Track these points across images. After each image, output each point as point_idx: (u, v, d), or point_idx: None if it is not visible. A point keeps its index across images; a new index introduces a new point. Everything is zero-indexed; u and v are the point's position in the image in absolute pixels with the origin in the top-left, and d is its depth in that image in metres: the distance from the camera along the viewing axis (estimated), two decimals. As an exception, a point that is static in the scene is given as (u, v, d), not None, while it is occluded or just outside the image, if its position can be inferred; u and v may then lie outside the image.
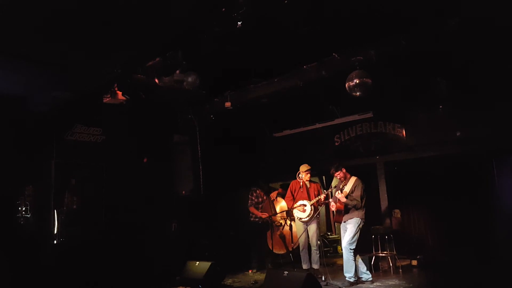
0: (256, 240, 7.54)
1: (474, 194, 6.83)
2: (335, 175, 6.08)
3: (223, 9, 4.41)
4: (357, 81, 5.39)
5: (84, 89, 6.06)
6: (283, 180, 9.05)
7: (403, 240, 7.60)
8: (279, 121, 8.91)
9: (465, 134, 6.68)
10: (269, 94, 6.84)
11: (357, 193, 5.86)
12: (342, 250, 6.02)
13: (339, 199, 5.89)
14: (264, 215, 7.33)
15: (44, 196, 6.31)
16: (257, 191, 7.61)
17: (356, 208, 5.83)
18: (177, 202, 7.82)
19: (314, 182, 6.88)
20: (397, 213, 8.24)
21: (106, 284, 6.04)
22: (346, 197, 5.83)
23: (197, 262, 6.27)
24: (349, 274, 5.81)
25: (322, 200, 6.44)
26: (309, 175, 6.67)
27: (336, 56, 5.71)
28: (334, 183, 6.23)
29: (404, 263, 7.09)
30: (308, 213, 6.42)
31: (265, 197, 7.61)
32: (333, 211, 6.13)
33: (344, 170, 6.02)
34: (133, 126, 7.23)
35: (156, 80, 5.76)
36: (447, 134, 6.89)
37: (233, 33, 4.73)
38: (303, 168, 6.65)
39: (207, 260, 6.23)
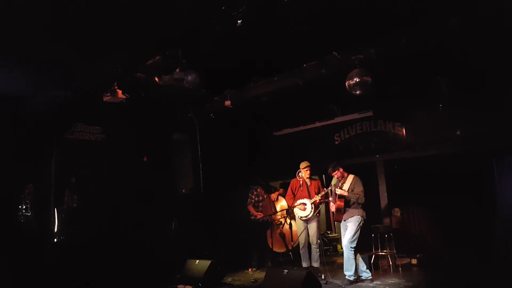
0: (256, 239, 7.54)
1: (474, 193, 6.82)
2: (333, 174, 6.09)
3: (223, 8, 4.40)
4: (357, 80, 5.39)
5: (84, 87, 6.06)
6: (283, 179, 9.06)
7: (403, 239, 7.60)
8: (279, 119, 8.91)
9: (465, 133, 6.68)
10: (269, 93, 6.85)
11: (358, 189, 5.88)
12: (342, 248, 6.03)
13: (339, 197, 5.89)
14: (260, 215, 7.34)
15: (45, 194, 6.34)
16: (258, 190, 7.61)
17: (359, 201, 5.84)
18: (177, 201, 7.84)
19: (314, 180, 6.89)
20: (397, 212, 8.24)
21: (107, 282, 6.04)
22: None
23: (197, 261, 6.28)
24: (349, 272, 5.82)
25: (322, 199, 6.44)
26: (309, 171, 6.67)
27: (336, 54, 5.71)
28: (334, 181, 6.24)
29: (404, 262, 7.09)
30: (309, 211, 6.42)
31: (265, 196, 7.62)
32: (333, 211, 6.16)
33: (341, 170, 6.04)
34: (133, 124, 7.24)
35: (156, 79, 5.76)
36: (447, 132, 6.88)
37: (233, 32, 4.73)
38: (302, 165, 6.66)
39: (207, 259, 6.24)
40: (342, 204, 5.87)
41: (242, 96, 7.14)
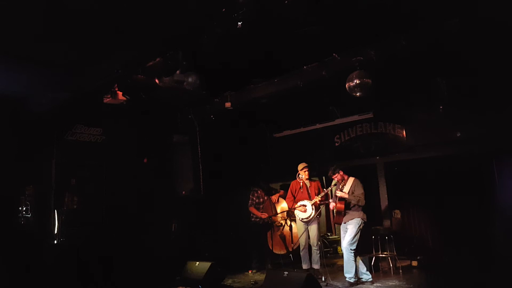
0: (256, 241, 7.54)
1: (475, 195, 6.82)
2: (333, 177, 6.10)
3: (224, 10, 4.41)
4: (358, 82, 5.40)
5: (84, 89, 6.07)
6: (283, 181, 9.04)
7: (403, 241, 7.59)
8: (279, 121, 8.91)
9: (465, 134, 6.68)
10: (269, 95, 6.84)
11: (359, 192, 5.90)
12: (342, 250, 6.03)
13: (339, 199, 5.90)
14: (264, 216, 7.33)
15: (45, 196, 6.32)
16: (258, 191, 7.62)
17: (359, 204, 5.84)
18: (177, 202, 7.82)
19: (314, 181, 6.89)
20: (397, 213, 8.23)
21: (107, 284, 6.04)
22: None
23: (197, 262, 6.28)
24: (349, 274, 5.81)
25: (323, 199, 6.45)
26: (307, 172, 6.68)
27: (337, 56, 5.71)
28: (334, 182, 6.25)
29: (404, 263, 7.08)
30: (310, 213, 6.42)
31: (266, 198, 7.62)
32: (333, 211, 6.16)
33: (341, 173, 6.05)
34: (133, 126, 7.24)
35: (157, 81, 5.76)
36: (447, 134, 6.88)
37: (233, 33, 4.73)
38: (300, 166, 6.69)
39: (207, 260, 6.23)
40: (343, 206, 5.88)
41: (242, 97, 7.14)
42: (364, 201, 5.87)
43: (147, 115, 7.40)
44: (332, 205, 6.06)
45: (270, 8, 4.50)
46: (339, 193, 5.92)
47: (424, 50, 5.35)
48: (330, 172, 6.10)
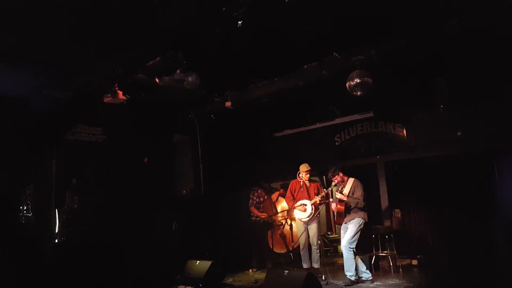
0: (257, 240, 7.54)
1: (475, 194, 6.82)
2: (333, 179, 6.11)
3: (223, 9, 4.41)
4: (358, 81, 5.40)
5: (84, 89, 6.07)
6: (283, 180, 9.05)
7: (404, 240, 7.59)
8: (279, 120, 8.91)
9: (466, 134, 6.67)
10: (269, 94, 6.85)
11: (358, 193, 5.90)
12: (341, 249, 6.04)
13: (339, 201, 5.91)
14: (264, 216, 7.34)
15: (45, 195, 6.33)
16: (259, 191, 7.62)
17: (358, 206, 5.85)
18: (177, 202, 7.83)
19: (314, 181, 6.89)
20: (397, 212, 8.24)
21: (107, 283, 6.05)
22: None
23: (198, 261, 6.29)
24: (349, 273, 5.83)
25: (322, 199, 6.45)
26: (308, 175, 6.68)
27: (337, 55, 5.71)
28: (335, 183, 6.25)
29: (404, 262, 7.09)
30: (309, 212, 6.43)
31: (266, 197, 7.63)
32: (333, 212, 6.18)
33: (341, 174, 6.06)
34: (133, 125, 7.24)
35: (157, 80, 5.76)
36: (447, 134, 6.88)
37: (233, 33, 4.73)
38: (303, 168, 6.66)
39: (208, 259, 6.24)
40: (343, 207, 5.91)
41: (242, 97, 7.14)
42: (363, 203, 5.88)
43: (148, 115, 7.40)
44: (333, 205, 6.06)
45: (270, 8, 4.50)
46: (338, 195, 5.94)
47: (424, 49, 5.35)
48: (329, 174, 6.12)
